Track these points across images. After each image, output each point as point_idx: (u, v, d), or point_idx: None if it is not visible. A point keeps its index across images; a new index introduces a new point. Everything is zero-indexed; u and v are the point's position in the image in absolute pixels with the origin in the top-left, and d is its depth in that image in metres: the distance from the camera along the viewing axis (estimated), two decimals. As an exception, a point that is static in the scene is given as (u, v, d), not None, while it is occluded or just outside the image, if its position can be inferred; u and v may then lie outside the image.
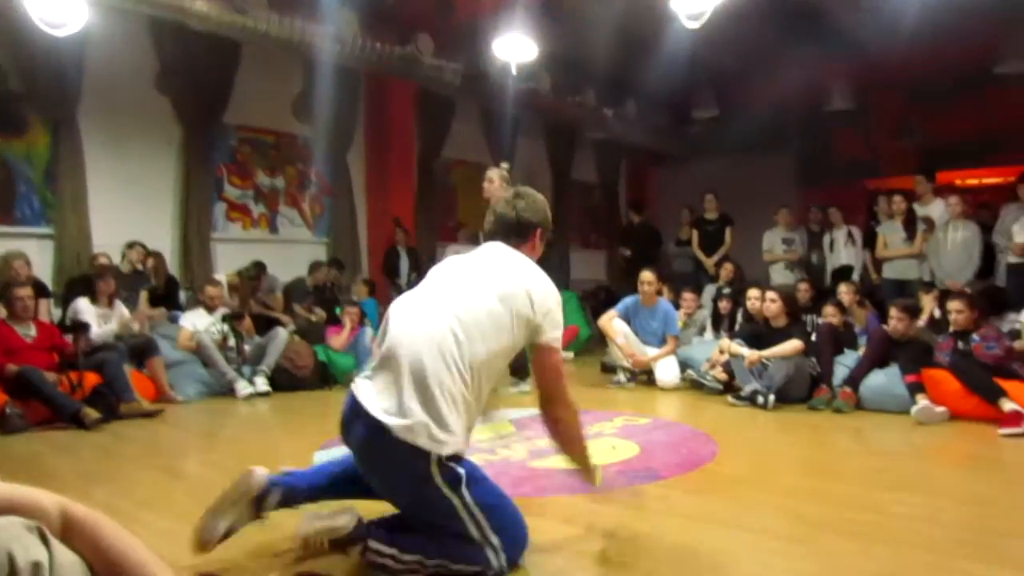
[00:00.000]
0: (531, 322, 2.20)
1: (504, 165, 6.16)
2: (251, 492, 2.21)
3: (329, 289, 7.96)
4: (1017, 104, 8.82)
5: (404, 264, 8.85)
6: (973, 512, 2.80)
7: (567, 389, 2.26)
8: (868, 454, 4.09)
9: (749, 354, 5.40)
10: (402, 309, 2.27)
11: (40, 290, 5.84)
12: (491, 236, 2.45)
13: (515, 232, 2.41)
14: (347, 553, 2.12)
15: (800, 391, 5.33)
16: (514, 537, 2.16)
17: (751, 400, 5.24)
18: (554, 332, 2.24)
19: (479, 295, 2.19)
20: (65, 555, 0.80)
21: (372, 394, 2.14)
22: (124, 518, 2.82)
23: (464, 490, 2.07)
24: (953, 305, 4.99)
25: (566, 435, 2.33)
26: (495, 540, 2.10)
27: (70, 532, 0.83)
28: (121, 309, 5.95)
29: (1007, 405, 4.37)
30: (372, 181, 9.38)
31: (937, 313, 5.89)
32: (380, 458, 2.11)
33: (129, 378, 5.28)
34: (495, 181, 5.65)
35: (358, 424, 2.12)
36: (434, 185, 9.87)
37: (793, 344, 5.29)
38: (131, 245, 6.79)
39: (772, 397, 5.15)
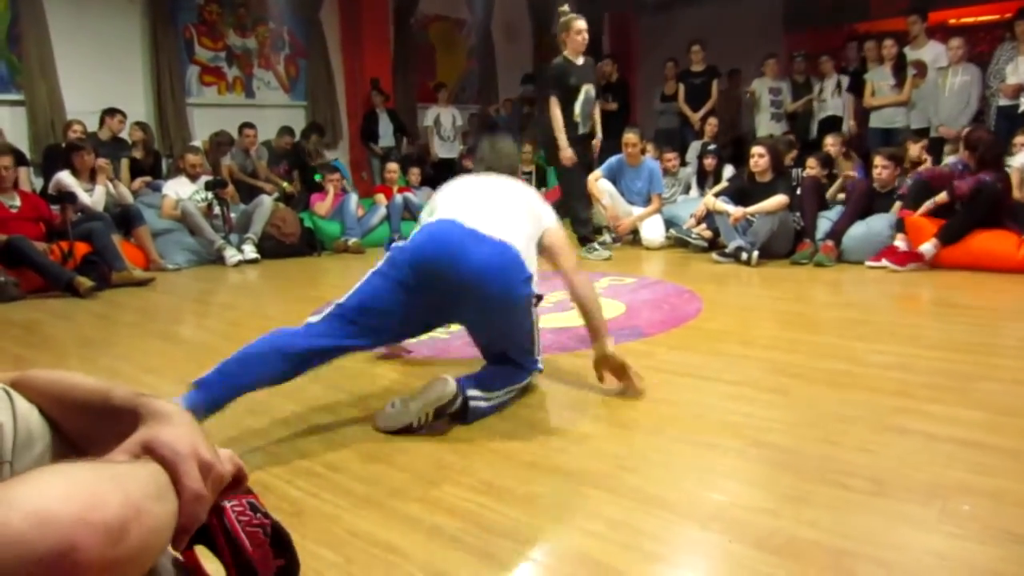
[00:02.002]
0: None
1: (564, 8, 5.68)
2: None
3: (308, 155, 7.85)
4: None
5: (385, 127, 8.69)
6: (945, 359, 2.92)
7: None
8: (846, 306, 4.21)
9: (734, 211, 5.44)
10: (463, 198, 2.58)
11: (19, 159, 5.74)
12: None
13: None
14: (448, 419, 2.33)
15: (784, 246, 5.42)
16: None
17: (735, 257, 5.33)
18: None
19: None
20: (26, 406, 0.85)
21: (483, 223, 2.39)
22: (127, 381, 2.91)
23: (535, 310, 2.53)
24: (949, 148, 4.99)
25: (587, 290, 2.58)
26: (539, 343, 2.60)
27: (17, 389, 0.88)
28: (107, 186, 5.83)
29: (924, 246, 4.74)
30: (347, 40, 9.06)
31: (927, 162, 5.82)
32: (500, 279, 2.31)
33: (119, 247, 5.30)
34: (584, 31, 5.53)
35: (479, 246, 2.30)
36: (411, 43, 9.55)
37: (778, 200, 5.32)
38: (111, 112, 6.61)
39: (756, 253, 5.24)
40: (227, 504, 0.85)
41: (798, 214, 5.47)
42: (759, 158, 5.52)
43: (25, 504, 0.54)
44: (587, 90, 5.59)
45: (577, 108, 5.53)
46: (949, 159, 5.50)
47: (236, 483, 0.83)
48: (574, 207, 5.97)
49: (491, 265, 2.28)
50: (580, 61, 5.57)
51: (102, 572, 0.56)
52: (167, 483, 0.69)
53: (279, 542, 0.89)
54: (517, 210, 2.54)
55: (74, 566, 0.54)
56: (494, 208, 2.49)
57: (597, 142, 6.03)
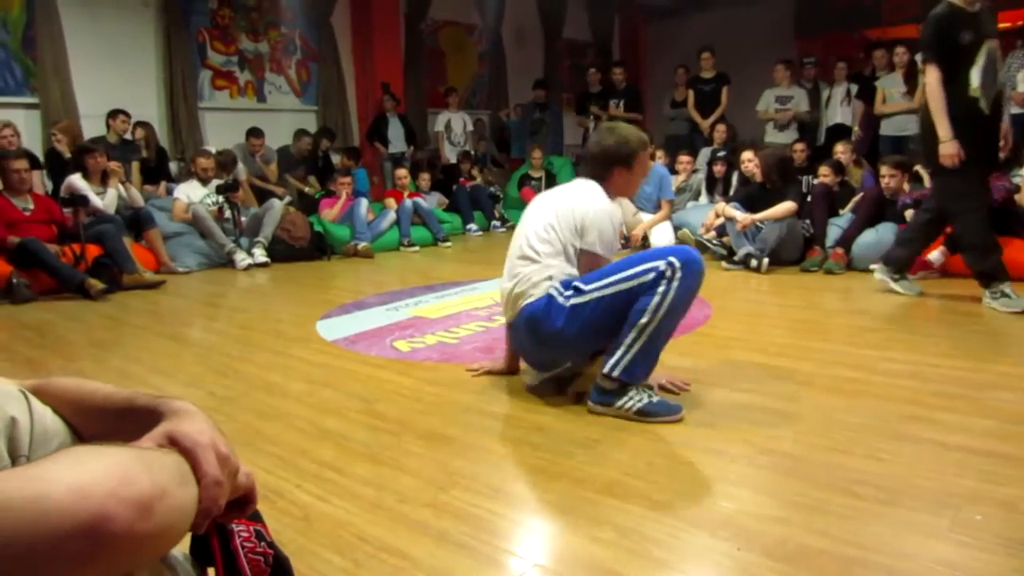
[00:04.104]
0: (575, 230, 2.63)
1: None
2: None
3: (322, 159, 7.89)
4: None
5: (396, 131, 8.70)
6: (956, 367, 2.90)
7: None
8: (856, 313, 4.19)
9: (742, 217, 5.44)
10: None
11: (32, 162, 5.78)
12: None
13: (598, 169, 2.74)
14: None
15: (793, 253, 5.41)
16: None
17: (744, 263, 5.32)
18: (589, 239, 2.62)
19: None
20: (41, 406, 0.88)
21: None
22: (136, 383, 2.94)
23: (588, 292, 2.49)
24: None
25: None
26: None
27: (36, 395, 0.92)
28: (119, 189, 5.86)
29: (932, 254, 4.77)
30: (358, 45, 9.10)
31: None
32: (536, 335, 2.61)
33: (130, 249, 5.33)
34: None
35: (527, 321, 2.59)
36: (421, 48, 9.58)
37: (785, 206, 5.32)
38: (113, 114, 6.65)
39: (766, 260, 5.22)
40: (235, 528, 0.87)
41: (808, 221, 5.46)
42: (748, 163, 5.56)
43: (64, 478, 0.59)
44: (989, 48, 3.86)
45: (975, 76, 3.81)
46: None
47: (246, 501, 0.85)
48: (964, 225, 4.08)
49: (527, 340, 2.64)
50: (976, 7, 3.86)
51: (131, 543, 0.61)
52: (188, 471, 0.73)
53: (279, 573, 0.91)
54: (551, 239, 2.60)
55: (107, 536, 0.59)
56: (522, 256, 2.63)
57: (1006, 127, 4.08)
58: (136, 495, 0.61)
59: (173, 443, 0.76)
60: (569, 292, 2.49)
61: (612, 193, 2.69)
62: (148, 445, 0.76)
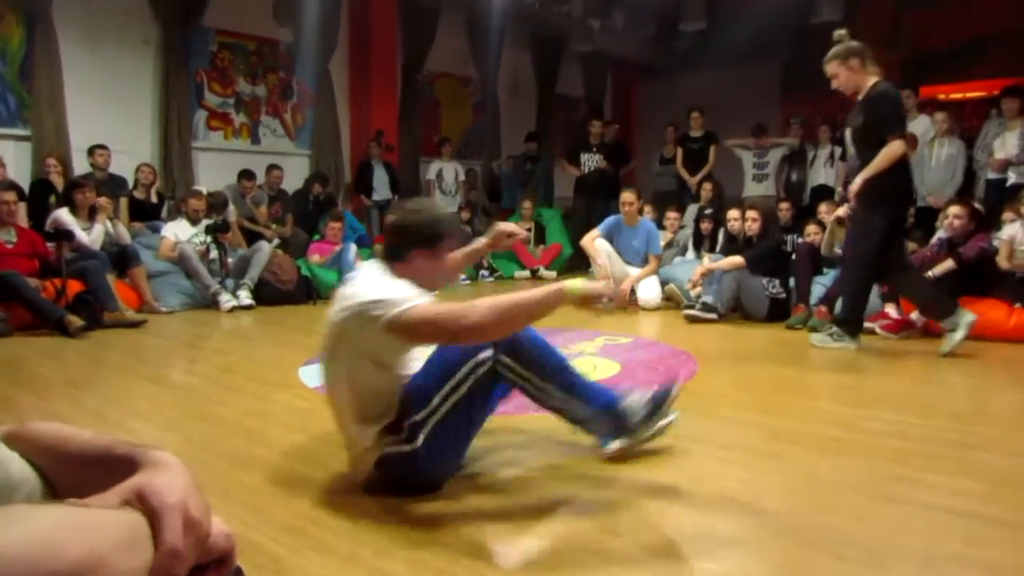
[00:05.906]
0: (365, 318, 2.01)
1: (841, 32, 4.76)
2: None
3: (312, 203, 7.94)
4: (1003, 11, 8.79)
5: (380, 179, 8.71)
6: (940, 427, 2.89)
7: (454, 316, 1.94)
8: (840, 371, 4.19)
9: (701, 266, 5.77)
10: None
11: (19, 194, 5.76)
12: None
13: (395, 249, 2.24)
14: None
15: (759, 311, 5.60)
16: None
17: (703, 309, 5.57)
18: (393, 309, 1.95)
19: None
20: (8, 453, 0.84)
21: None
22: (112, 426, 2.89)
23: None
24: (953, 211, 5.06)
25: (503, 311, 1.98)
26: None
27: (11, 441, 0.87)
28: (106, 225, 5.84)
29: (915, 313, 4.86)
30: (355, 92, 9.21)
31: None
32: None
33: (113, 287, 5.28)
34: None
35: None
36: (417, 97, 9.70)
37: (731, 260, 5.60)
38: (91, 150, 6.62)
39: (707, 301, 5.56)
40: None
41: (776, 280, 5.55)
42: (752, 222, 5.67)
43: None
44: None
45: None
46: (940, 233, 5.57)
47: (223, 562, 0.80)
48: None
49: None
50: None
51: None
52: (145, 535, 0.66)
53: None
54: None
55: None
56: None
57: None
58: (60, 568, 0.56)
59: (140, 499, 0.70)
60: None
61: (410, 278, 2.17)
62: (113, 499, 0.70)
